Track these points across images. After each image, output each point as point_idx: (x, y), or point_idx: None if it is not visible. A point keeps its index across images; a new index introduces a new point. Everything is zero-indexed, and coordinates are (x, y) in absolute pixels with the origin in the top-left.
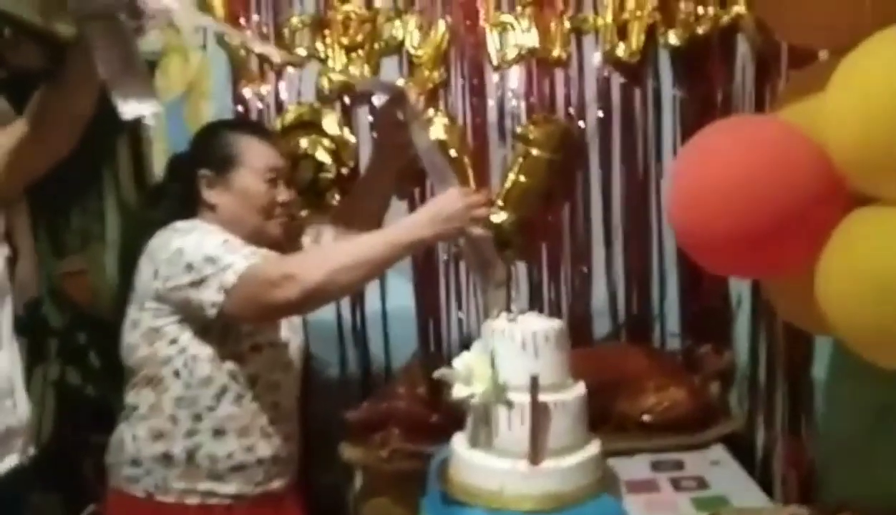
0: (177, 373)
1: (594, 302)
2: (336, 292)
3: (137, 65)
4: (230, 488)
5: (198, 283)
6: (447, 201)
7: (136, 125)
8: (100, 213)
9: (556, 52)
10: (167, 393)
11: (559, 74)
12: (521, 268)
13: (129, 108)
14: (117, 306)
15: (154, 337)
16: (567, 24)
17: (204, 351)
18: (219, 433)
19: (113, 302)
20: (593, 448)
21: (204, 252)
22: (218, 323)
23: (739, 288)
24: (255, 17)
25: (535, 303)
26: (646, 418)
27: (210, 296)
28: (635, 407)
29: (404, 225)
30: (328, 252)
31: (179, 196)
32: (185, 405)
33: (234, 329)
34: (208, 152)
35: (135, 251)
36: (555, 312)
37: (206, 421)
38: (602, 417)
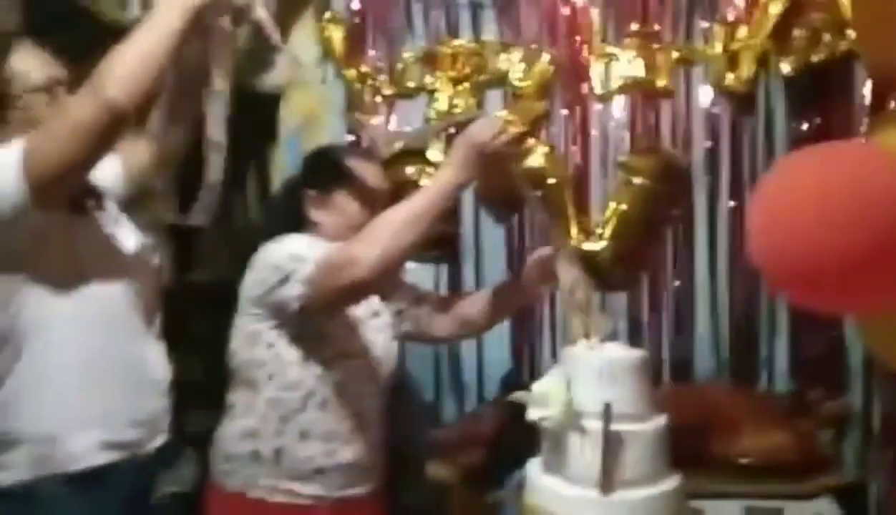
0: (270, 376)
1: (697, 340)
2: (402, 254)
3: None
4: (311, 489)
5: (284, 281)
6: (475, 132)
7: (263, 154)
8: (229, 234)
9: (662, 82)
10: (260, 395)
11: (665, 105)
12: (621, 300)
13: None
14: None
15: (254, 341)
16: (674, 54)
17: (295, 355)
18: (304, 435)
19: None
20: (671, 483)
21: (288, 251)
22: (310, 327)
23: (855, 331)
24: (371, 53)
25: (634, 337)
26: (743, 460)
27: (294, 290)
28: (732, 448)
29: (441, 173)
30: (381, 222)
31: (287, 214)
32: (275, 406)
33: (325, 335)
34: (315, 173)
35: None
36: (655, 347)
37: (292, 424)
38: (696, 457)
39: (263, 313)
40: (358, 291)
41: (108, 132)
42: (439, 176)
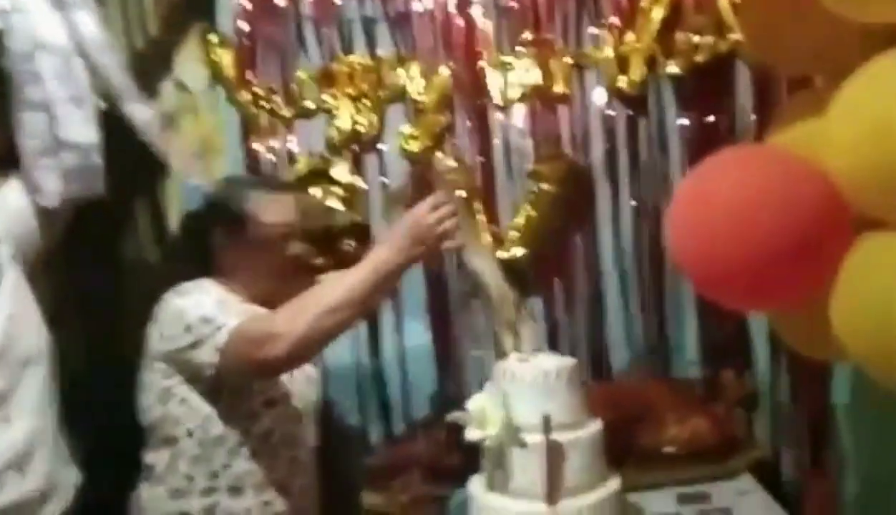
0: (190, 433)
1: (611, 335)
2: (324, 338)
3: None
4: None
5: (195, 345)
6: (415, 219)
7: (155, 184)
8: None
9: (559, 88)
10: (182, 453)
11: (563, 110)
12: (537, 305)
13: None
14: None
15: (166, 397)
16: (568, 60)
17: (215, 409)
18: (235, 490)
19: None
20: (613, 485)
21: (200, 313)
22: (219, 382)
23: (757, 313)
24: (263, 74)
25: (552, 340)
26: (668, 449)
27: (206, 357)
28: (657, 439)
29: (378, 255)
30: (308, 300)
31: (193, 254)
32: (200, 463)
33: (244, 390)
34: (220, 209)
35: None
36: (572, 347)
37: (222, 479)
38: (624, 452)
39: (173, 369)
40: (274, 368)
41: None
42: (377, 254)
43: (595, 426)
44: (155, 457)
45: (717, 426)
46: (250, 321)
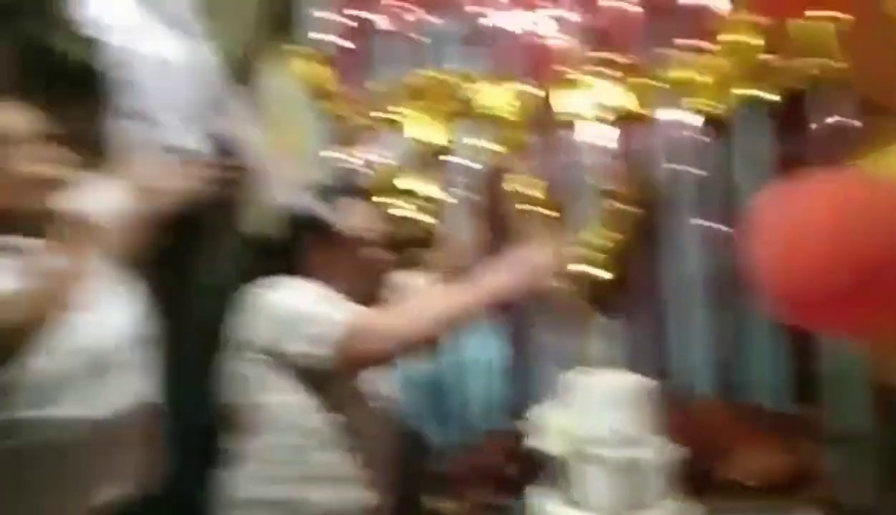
0: (278, 421)
1: (689, 360)
2: (427, 340)
3: None
4: None
5: (296, 337)
6: (526, 256)
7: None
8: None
9: (640, 108)
10: (268, 440)
11: (643, 131)
12: (611, 324)
13: None
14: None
15: (254, 385)
16: (651, 81)
17: (304, 401)
18: (316, 480)
19: None
20: (679, 508)
21: (303, 307)
22: (317, 374)
23: (841, 348)
24: (348, 86)
25: (630, 362)
26: (743, 480)
27: (306, 349)
28: (733, 469)
29: (483, 282)
30: (412, 307)
31: (285, 254)
32: (285, 452)
33: (333, 381)
34: (307, 215)
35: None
36: (647, 369)
37: (304, 468)
38: (700, 480)
39: (267, 360)
40: (371, 363)
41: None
42: (493, 280)
43: (666, 447)
44: (241, 442)
45: (795, 460)
46: (353, 317)
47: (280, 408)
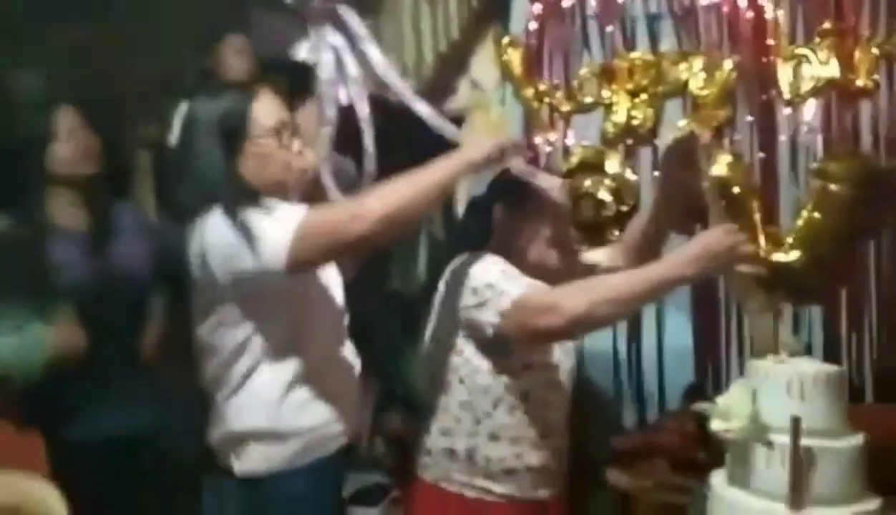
0: (461, 380)
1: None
2: (597, 323)
3: None
4: (502, 488)
5: (479, 306)
6: (713, 239)
7: None
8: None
9: (861, 81)
10: (453, 397)
11: (864, 105)
12: (816, 314)
13: None
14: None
15: (446, 347)
16: (875, 51)
17: (483, 364)
18: (494, 437)
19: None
20: (869, 505)
21: (486, 279)
22: (499, 343)
23: None
24: (547, 71)
25: (831, 353)
26: None
27: (488, 318)
28: None
29: (669, 262)
30: (592, 285)
31: (476, 230)
32: (466, 408)
33: (509, 347)
34: (503, 190)
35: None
36: (856, 364)
37: (483, 426)
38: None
39: (456, 325)
40: (548, 337)
41: (349, 245)
42: (671, 262)
43: (855, 440)
44: (434, 398)
45: None
46: (534, 291)
47: (466, 370)
